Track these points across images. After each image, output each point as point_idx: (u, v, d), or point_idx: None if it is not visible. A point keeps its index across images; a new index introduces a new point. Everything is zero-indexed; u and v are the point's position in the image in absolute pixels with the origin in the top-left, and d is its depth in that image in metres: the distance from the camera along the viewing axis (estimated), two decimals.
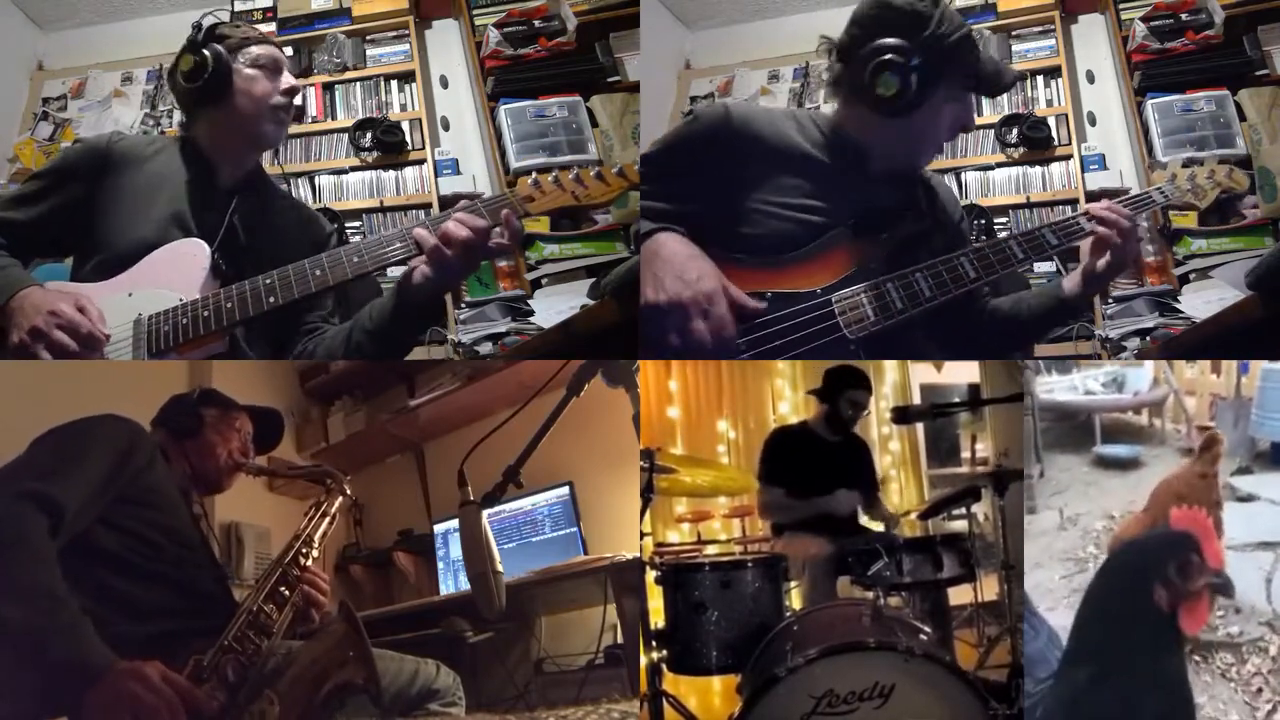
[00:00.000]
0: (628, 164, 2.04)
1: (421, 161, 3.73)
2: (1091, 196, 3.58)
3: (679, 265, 1.77)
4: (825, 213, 1.89)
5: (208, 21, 2.11)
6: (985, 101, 3.63)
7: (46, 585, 1.50)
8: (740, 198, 1.89)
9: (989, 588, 2.91)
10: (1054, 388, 4.29)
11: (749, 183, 1.89)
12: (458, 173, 3.70)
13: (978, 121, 3.55)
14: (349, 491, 2.05)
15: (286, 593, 1.81)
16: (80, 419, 1.77)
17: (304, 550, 1.90)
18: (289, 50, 3.73)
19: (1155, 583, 1.34)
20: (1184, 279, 3.47)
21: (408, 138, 3.73)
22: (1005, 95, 3.65)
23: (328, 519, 1.99)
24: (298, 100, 2.16)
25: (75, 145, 2.22)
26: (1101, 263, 1.92)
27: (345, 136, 3.77)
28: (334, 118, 3.82)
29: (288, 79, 2.12)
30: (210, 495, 2.07)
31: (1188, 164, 2.52)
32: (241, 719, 1.57)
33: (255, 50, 2.09)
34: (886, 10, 1.89)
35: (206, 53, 2.06)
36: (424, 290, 1.90)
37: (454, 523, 3.20)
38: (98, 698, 1.43)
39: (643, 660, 2.37)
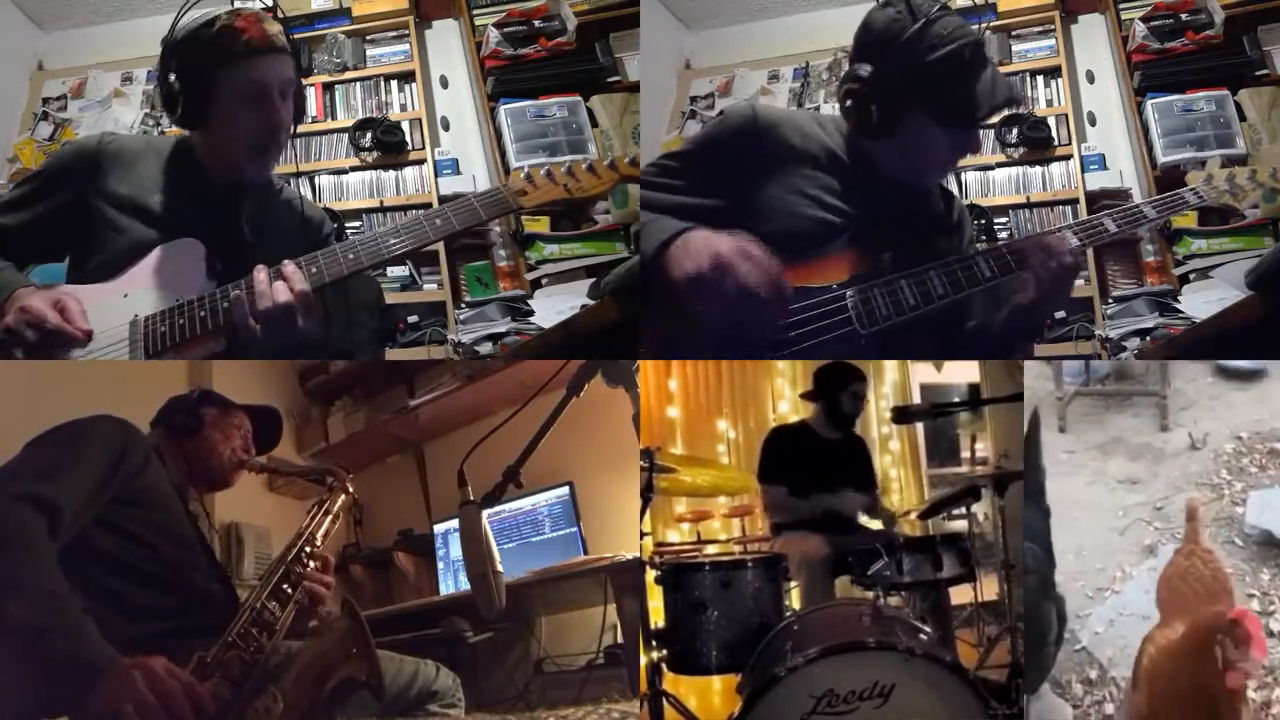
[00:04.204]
0: (619, 156, 2.06)
1: (421, 161, 3.73)
2: (1091, 196, 3.58)
3: (709, 236, 1.79)
4: (843, 214, 1.94)
5: (184, 23, 1.96)
6: None
7: (48, 584, 1.51)
8: (762, 195, 1.93)
9: (989, 587, 2.92)
10: None
11: (772, 182, 1.93)
12: (458, 173, 3.69)
13: None
14: (351, 490, 2.05)
15: (289, 590, 1.82)
16: (74, 420, 1.77)
17: (307, 549, 1.90)
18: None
19: None
20: (1184, 279, 3.47)
21: (408, 138, 3.73)
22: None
23: (330, 517, 1.99)
24: (307, 103, 2.10)
25: (64, 148, 2.17)
26: (1028, 297, 1.94)
27: (345, 136, 3.77)
28: (334, 118, 3.82)
29: (273, 114, 1.97)
30: (215, 492, 2.08)
31: (1226, 163, 2.51)
32: (246, 715, 1.57)
33: (239, 72, 1.94)
34: (866, 33, 1.93)
35: (174, 81, 1.95)
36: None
37: (454, 523, 3.20)
38: (102, 694, 1.43)
39: (643, 660, 2.37)
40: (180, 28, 1.98)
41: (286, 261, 1.89)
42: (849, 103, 1.91)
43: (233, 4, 2.07)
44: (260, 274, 1.87)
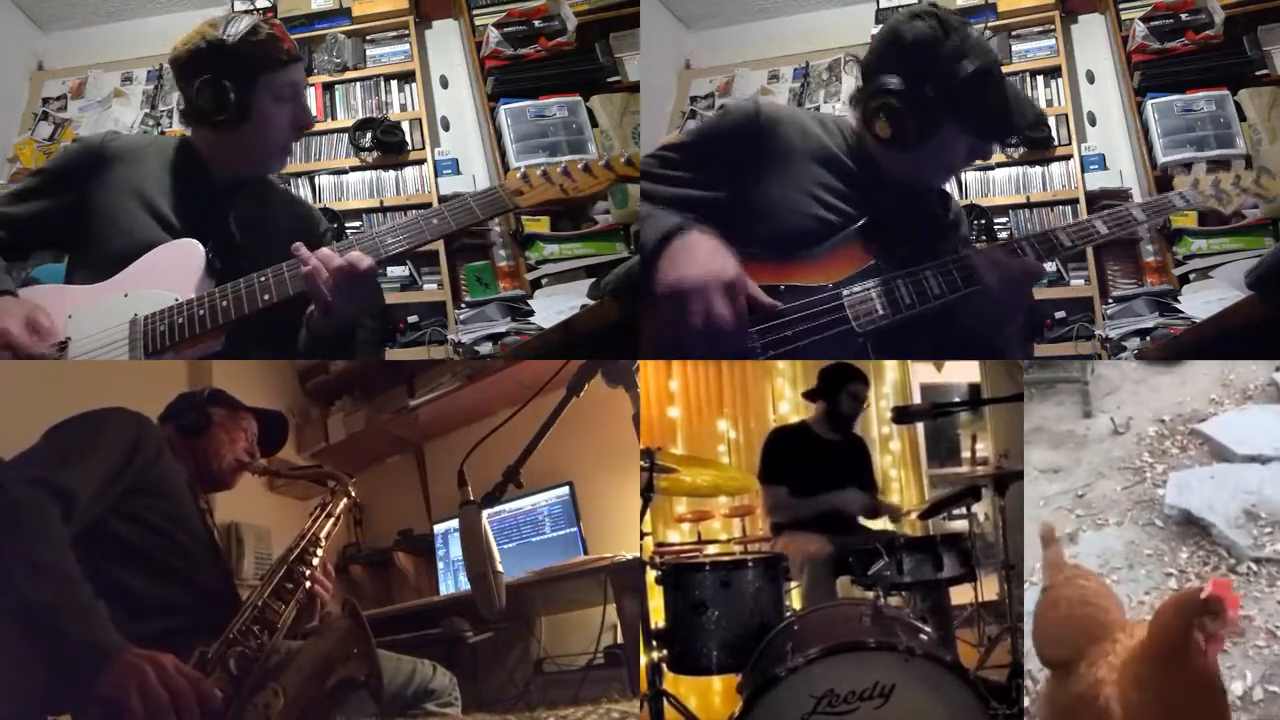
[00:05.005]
0: (614, 156, 2.06)
1: (421, 161, 3.73)
2: (1091, 196, 3.58)
3: (706, 253, 1.78)
4: (842, 213, 1.94)
5: (235, 30, 2.03)
6: None
7: (61, 567, 1.52)
8: (761, 192, 1.92)
9: (989, 588, 2.92)
10: None
11: (772, 178, 1.93)
12: (458, 173, 3.70)
13: None
14: (353, 494, 2.06)
15: (291, 589, 1.82)
16: (89, 411, 1.79)
17: (310, 549, 1.91)
18: None
19: None
20: (1184, 279, 3.47)
21: (408, 138, 3.73)
22: None
23: (332, 520, 2.00)
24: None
25: (71, 145, 2.22)
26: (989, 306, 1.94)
27: (345, 136, 3.77)
28: (334, 118, 3.82)
29: (305, 114, 2.09)
30: (214, 493, 2.08)
31: (1212, 168, 2.52)
32: (246, 710, 1.58)
33: (279, 77, 2.04)
34: (896, 43, 1.91)
35: (228, 84, 2.01)
36: (318, 323, 1.95)
37: (454, 523, 3.20)
38: (110, 680, 1.44)
39: (643, 660, 2.37)
40: (232, 34, 2.04)
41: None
42: (882, 116, 1.89)
43: (232, 7, 2.09)
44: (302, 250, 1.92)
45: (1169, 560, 2.53)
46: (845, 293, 1.88)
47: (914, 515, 3.19)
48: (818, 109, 3.97)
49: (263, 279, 1.93)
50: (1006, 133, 1.96)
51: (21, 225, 2.05)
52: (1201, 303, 3.36)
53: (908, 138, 1.89)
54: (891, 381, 4.46)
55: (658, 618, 2.40)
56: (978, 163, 3.72)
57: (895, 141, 1.91)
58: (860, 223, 1.93)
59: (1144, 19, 3.59)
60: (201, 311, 1.93)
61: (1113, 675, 1.57)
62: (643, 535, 2.47)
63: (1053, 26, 3.75)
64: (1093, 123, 3.70)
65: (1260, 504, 2.56)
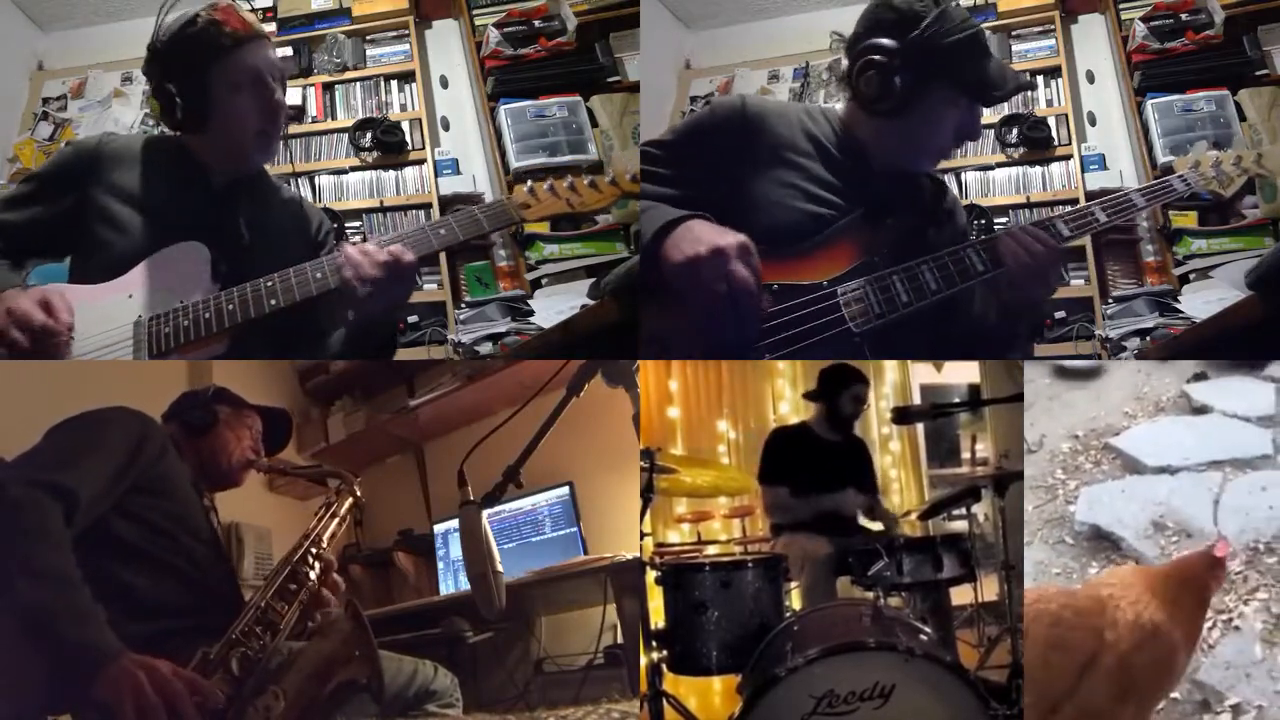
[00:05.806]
0: (619, 172, 2.05)
1: (421, 161, 3.73)
2: (1091, 196, 3.58)
3: (711, 230, 1.78)
4: (833, 205, 1.90)
5: (165, 28, 1.94)
6: None
7: (60, 569, 1.52)
8: (749, 188, 1.90)
9: (989, 588, 2.92)
10: None
11: (759, 173, 1.91)
12: (458, 173, 3.70)
13: None
14: (359, 493, 2.05)
15: (295, 590, 1.82)
16: (93, 410, 1.79)
17: (313, 550, 1.91)
18: (288, 50, 3.73)
19: None
20: (1184, 279, 3.47)
21: (408, 138, 3.73)
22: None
23: (337, 519, 1.99)
24: (294, 100, 2.11)
25: (65, 149, 2.17)
26: (1007, 292, 1.92)
27: (345, 136, 3.77)
28: (334, 118, 3.82)
29: (271, 96, 1.99)
30: (221, 490, 2.07)
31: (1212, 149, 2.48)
32: (246, 712, 1.58)
33: (229, 64, 1.96)
34: (887, 10, 1.91)
35: (172, 88, 1.95)
36: (357, 322, 1.95)
37: (454, 523, 3.20)
38: (104, 684, 1.44)
39: (643, 660, 2.37)
40: (163, 32, 1.97)
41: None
42: (871, 73, 1.88)
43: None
44: (346, 246, 1.92)
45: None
46: (839, 291, 1.86)
47: (914, 516, 3.19)
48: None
49: (269, 284, 1.92)
50: (993, 90, 1.92)
51: (15, 233, 2.03)
52: (1201, 303, 3.36)
53: (894, 97, 1.88)
54: (891, 382, 4.46)
55: (658, 618, 2.40)
56: (977, 161, 3.73)
57: (882, 104, 1.90)
58: (852, 215, 1.90)
59: (1144, 19, 3.59)
60: (207, 314, 1.91)
61: (1131, 631, 1.59)
62: (643, 535, 2.47)
63: (1053, 26, 3.75)
64: (1093, 123, 3.70)
65: (1168, 514, 2.56)
